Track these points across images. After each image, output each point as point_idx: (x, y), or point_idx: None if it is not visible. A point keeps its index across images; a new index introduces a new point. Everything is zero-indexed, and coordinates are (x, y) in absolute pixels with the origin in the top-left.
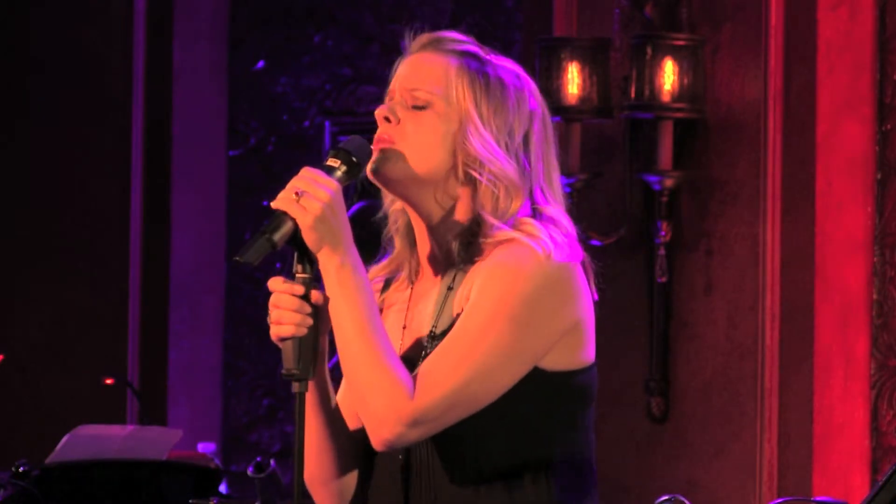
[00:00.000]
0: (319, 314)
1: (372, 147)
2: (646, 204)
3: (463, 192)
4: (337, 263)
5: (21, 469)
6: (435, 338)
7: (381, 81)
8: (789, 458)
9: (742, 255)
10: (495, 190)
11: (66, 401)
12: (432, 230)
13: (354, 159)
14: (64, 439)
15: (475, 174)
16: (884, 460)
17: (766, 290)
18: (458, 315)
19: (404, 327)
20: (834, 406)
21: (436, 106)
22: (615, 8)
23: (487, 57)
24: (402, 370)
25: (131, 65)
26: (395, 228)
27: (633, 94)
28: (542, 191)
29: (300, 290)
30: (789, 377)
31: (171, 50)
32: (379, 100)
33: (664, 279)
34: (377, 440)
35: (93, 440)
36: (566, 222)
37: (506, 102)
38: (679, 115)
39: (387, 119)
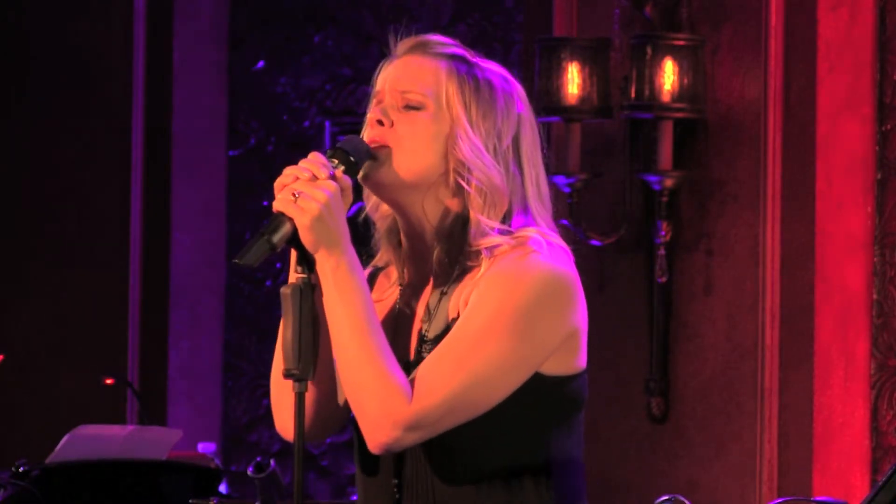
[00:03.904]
0: (319, 314)
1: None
2: (646, 204)
3: (452, 197)
4: (333, 264)
5: (21, 469)
6: (426, 341)
7: None
8: (789, 458)
9: (742, 255)
10: (480, 197)
11: (66, 401)
12: (421, 235)
13: (352, 159)
14: (64, 439)
15: (462, 181)
16: (884, 460)
17: (766, 290)
18: (453, 320)
19: (395, 329)
20: (834, 406)
21: (428, 107)
22: (615, 8)
23: (474, 60)
24: (399, 373)
25: (131, 65)
26: (379, 233)
27: (633, 94)
28: (532, 195)
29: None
30: (789, 377)
31: (171, 50)
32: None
33: (664, 279)
34: (373, 443)
35: (93, 440)
36: (552, 227)
37: (494, 105)
38: (679, 115)
39: (380, 122)
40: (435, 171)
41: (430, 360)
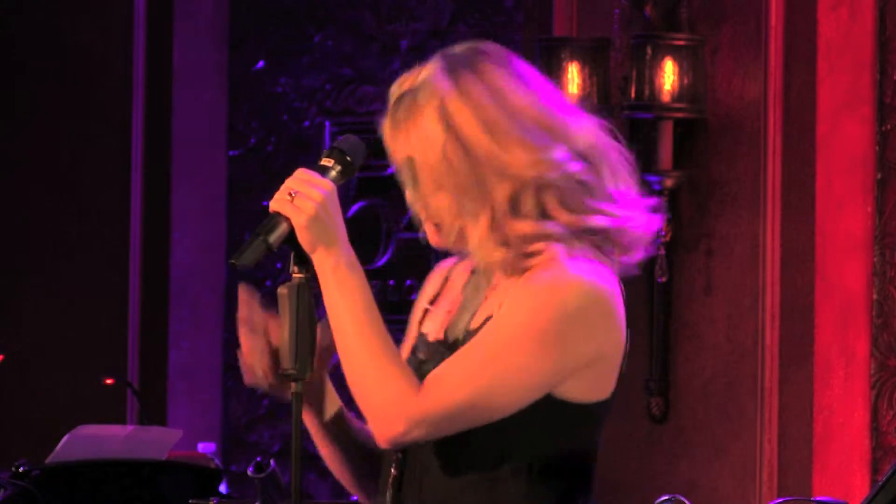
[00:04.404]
0: (315, 314)
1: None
2: None
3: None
4: (332, 263)
5: (21, 469)
6: (457, 337)
7: (381, 81)
8: (789, 458)
9: (742, 255)
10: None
11: (66, 401)
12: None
13: (349, 158)
14: (64, 439)
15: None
16: (884, 460)
17: (766, 290)
18: (485, 321)
19: (449, 311)
20: (834, 406)
21: (415, 160)
22: (615, 8)
23: (415, 84)
24: (405, 368)
25: (131, 65)
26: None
27: (633, 94)
28: (533, 133)
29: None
30: (789, 377)
31: (171, 50)
32: (379, 99)
33: (664, 279)
34: (382, 438)
35: (93, 440)
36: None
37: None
38: (679, 115)
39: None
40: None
41: (452, 360)
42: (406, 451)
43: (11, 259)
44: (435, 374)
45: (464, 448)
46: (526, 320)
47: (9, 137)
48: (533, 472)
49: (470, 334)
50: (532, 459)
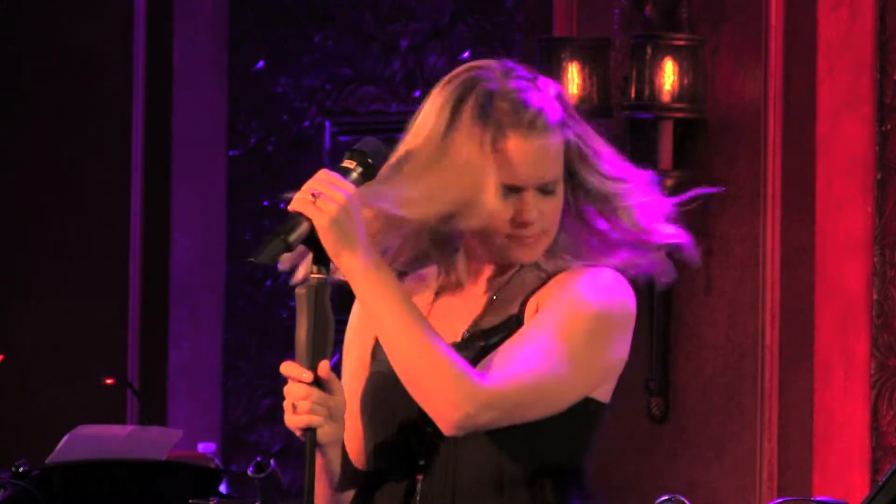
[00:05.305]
0: (329, 312)
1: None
2: None
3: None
4: (360, 265)
5: (21, 469)
6: (475, 336)
7: (381, 81)
8: (789, 458)
9: (742, 255)
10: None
11: (66, 401)
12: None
13: (370, 160)
14: (64, 439)
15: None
16: (884, 460)
17: (766, 290)
18: (516, 313)
19: (462, 311)
20: (834, 406)
21: (558, 186)
22: (615, 8)
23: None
24: (457, 354)
25: (131, 65)
26: (424, 244)
27: (633, 94)
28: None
29: (309, 377)
30: (789, 377)
31: (171, 50)
32: (379, 99)
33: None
34: (448, 424)
35: (93, 440)
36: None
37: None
38: (679, 115)
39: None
40: None
41: (515, 341)
42: (433, 452)
43: (11, 259)
44: (497, 359)
45: (501, 446)
46: (586, 311)
47: (9, 137)
48: (560, 472)
49: (501, 327)
50: (563, 459)
